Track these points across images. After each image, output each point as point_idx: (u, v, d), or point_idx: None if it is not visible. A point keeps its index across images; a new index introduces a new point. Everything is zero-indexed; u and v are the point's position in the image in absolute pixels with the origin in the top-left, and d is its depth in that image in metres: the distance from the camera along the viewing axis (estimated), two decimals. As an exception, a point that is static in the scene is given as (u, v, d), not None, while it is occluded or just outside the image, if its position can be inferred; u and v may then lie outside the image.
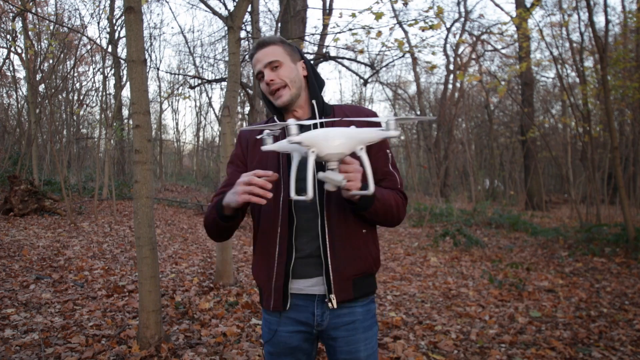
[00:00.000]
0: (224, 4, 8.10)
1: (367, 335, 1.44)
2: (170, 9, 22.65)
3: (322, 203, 1.39)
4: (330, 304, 1.38)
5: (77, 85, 17.56)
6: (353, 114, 1.47)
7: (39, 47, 12.87)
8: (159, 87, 27.37)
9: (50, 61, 12.79)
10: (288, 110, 1.47)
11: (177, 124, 39.34)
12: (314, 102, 1.47)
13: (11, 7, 10.39)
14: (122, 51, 15.92)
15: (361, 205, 1.31)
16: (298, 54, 1.49)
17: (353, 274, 1.39)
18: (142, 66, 2.92)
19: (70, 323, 3.37)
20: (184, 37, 14.69)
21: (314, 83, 1.49)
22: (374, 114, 1.44)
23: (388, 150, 1.47)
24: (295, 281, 1.41)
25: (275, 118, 1.50)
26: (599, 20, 19.82)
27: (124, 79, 14.78)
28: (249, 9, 6.55)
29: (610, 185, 14.10)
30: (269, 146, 1.21)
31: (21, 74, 17.45)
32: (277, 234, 1.39)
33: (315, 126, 1.41)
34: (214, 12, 5.26)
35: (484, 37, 18.99)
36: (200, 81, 12.29)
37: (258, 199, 1.20)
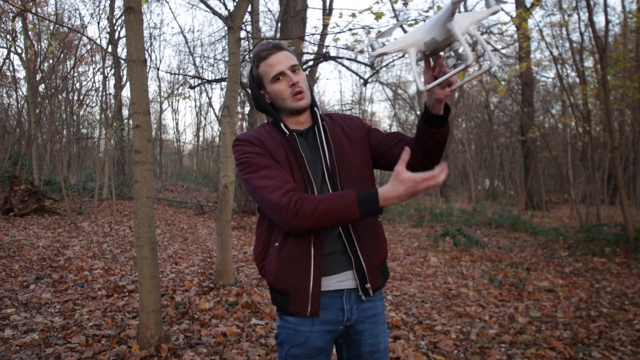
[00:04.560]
0: (224, 4, 8.11)
1: (385, 327, 1.54)
2: (170, 9, 22.69)
3: None
4: (363, 296, 1.45)
5: (77, 85, 17.60)
6: (339, 117, 1.60)
7: (39, 47, 12.88)
8: (159, 87, 27.41)
9: (50, 61, 12.80)
10: (294, 116, 1.49)
11: (177, 124, 39.42)
12: (315, 109, 1.53)
13: (11, 7, 10.38)
14: (122, 51, 15.93)
15: (442, 117, 1.39)
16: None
17: (379, 262, 1.48)
18: (142, 66, 2.93)
19: (70, 323, 3.37)
20: (184, 37, 14.73)
21: (312, 91, 1.56)
22: (359, 118, 1.62)
23: (373, 127, 1.60)
24: (322, 279, 1.42)
25: (282, 124, 1.46)
26: (599, 20, 19.84)
27: (124, 79, 14.79)
28: (249, 9, 6.56)
29: (610, 185, 14.09)
30: (380, 50, 1.30)
31: (21, 74, 17.46)
32: (311, 237, 1.38)
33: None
34: (214, 12, 5.26)
35: (484, 37, 18.98)
36: (200, 81, 12.30)
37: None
